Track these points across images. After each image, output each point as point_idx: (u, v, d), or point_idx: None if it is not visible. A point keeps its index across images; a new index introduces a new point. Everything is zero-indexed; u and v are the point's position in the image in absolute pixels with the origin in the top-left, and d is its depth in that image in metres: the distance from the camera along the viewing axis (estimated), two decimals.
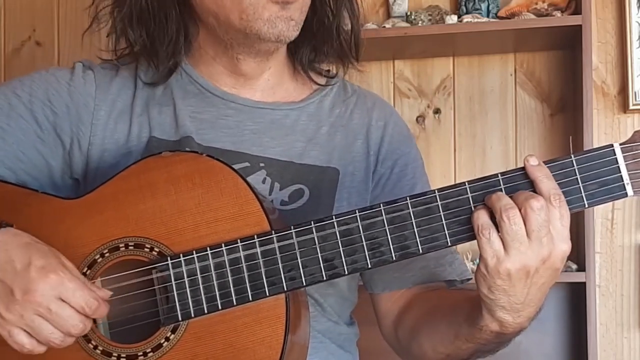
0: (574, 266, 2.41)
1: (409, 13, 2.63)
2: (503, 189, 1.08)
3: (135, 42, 1.32)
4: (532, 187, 1.07)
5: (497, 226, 1.05)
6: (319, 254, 1.10)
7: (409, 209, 1.09)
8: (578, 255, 2.45)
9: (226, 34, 1.28)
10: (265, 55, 1.31)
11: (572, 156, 1.08)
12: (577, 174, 1.08)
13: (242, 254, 1.11)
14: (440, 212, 1.09)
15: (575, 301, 2.60)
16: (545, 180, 1.06)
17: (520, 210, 1.04)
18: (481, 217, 1.06)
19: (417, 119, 2.73)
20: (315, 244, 1.10)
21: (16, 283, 1.05)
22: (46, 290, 1.05)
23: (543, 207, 1.04)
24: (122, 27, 1.32)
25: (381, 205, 1.10)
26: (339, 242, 1.10)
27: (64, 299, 1.06)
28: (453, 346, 1.23)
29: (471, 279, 1.37)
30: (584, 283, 2.34)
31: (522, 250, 1.04)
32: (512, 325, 1.12)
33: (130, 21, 1.31)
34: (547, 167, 1.08)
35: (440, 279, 1.37)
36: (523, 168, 1.08)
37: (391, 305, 1.39)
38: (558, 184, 1.07)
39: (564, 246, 1.06)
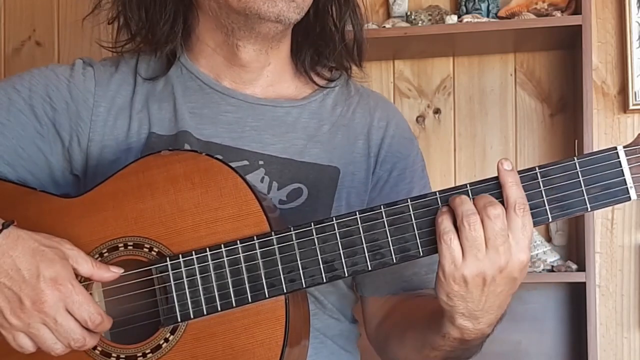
0: (574, 266, 2.41)
1: (409, 13, 2.63)
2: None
3: (134, 26, 1.34)
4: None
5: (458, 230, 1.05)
6: (319, 256, 1.10)
7: (409, 211, 1.09)
8: (578, 255, 2.45)
9: (227, 17, 1.27)
10: (265, 41, 1.30)
11: (575, 159, 1.07)
12: (580, 176, 1.07)
13: (241, 255, 1.11)
14: None
15: (575, 301, 2.59)
16: (514, 186, 1.05)
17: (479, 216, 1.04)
18: (444, 222, 1.05)
19: (417, 119, 2.73)
20: (315, 246, 1.10)
21: (25, 292, 1.05)
22: (54, 302, 1.06)
23: (499, 215, 1.03)
24: (122, 10, 1.34)
25: (382, 207, 1.10)
26: (339, 243, 1.10)
27: (70, 311, 1.07)
28: (421, 355, 1.24)
29: None
30: (584, 283, 2.34)
31: (480, 258, 1.04)
32: (472, 332, 1.12)
33: (130, 4, 1.33)
34: (550, 169, 1.07)
35: (430, 286, 1.36)
36: (521, 171, 1.08)
37: (376, 310, 1.39)
38: (560, 186, 1.06)
39: (522, 256, 1.06)
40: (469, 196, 1.08)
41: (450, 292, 1.07)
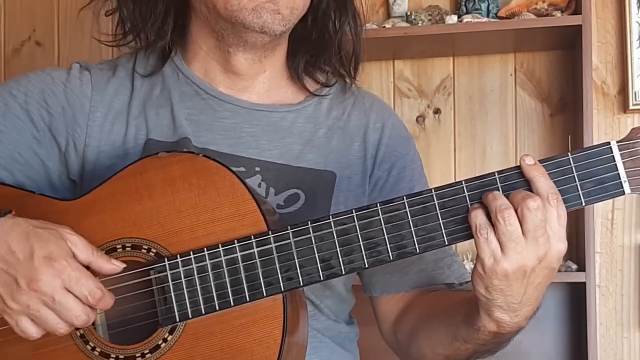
0: (574, 266, 2.41)
1: (409, 13, 2.63)
2: (500, 188, 1.08)
3: (129, 23, 1.34)
4: (529, 185, 1.07)
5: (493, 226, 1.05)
6: (316, 254, 1.10)
7: (405, 208, 1.09)
8: (578, 255, 2.45)
9: (216, 23, 1.28)
10: (254, 50, 1.30)
11: (569, 154, 1.08)
12: (574, 171, 1.07)
13: (239, 254, 1.11)
14: (437, 211, 1.09)
15: (575, 301, 2.60)
16: (542, 179, 1.06)
17: (516, 210, 1.04)
18: (478, 217, 1.06)
19: (417, 119, 2.73)
20: (312, 244, 1.10)
21: (20, 273, 1.04)
22: (50, 280, 1.04)
23: (539, 207, 1.03)
24: (118, 5, 1.35)
25: (378, 204, 1.10)
26: (336, 242, 1.10)
27: (68, 288, 1.05)
28: (452, 347, 1.23)
29: (470, 281, 1.37)
30: (584, 283, 2.34)
31: (519, 250, 1.04)
32: (509, 325, 1.12)
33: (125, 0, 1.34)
34: (544, 165, 1.07)
35: (439, 282, 1.37)
36: (514, 168, 1.08)
37: (390, 308, 1.39)
38: (555, 182, 1.06)
39: (561, 246, 1.06)
40: (464, 192, 1.08)
41: (490, 286, 1.07)
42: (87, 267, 1.09)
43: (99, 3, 1.38)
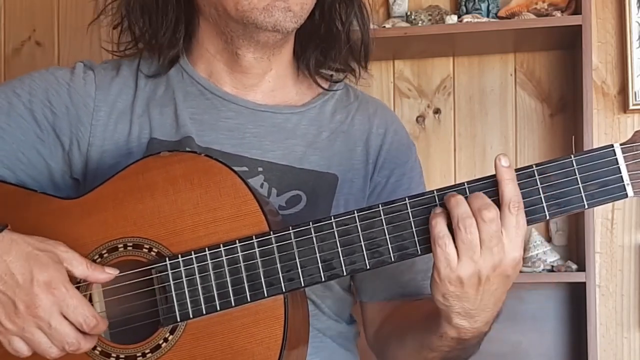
0: (574, 266, 2.42)
1: (409, 13, 2.63)
2: None
3: (138, 31, 1.34)
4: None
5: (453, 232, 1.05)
6: (317, 255, 1.10)
7: (407, 209, 1.09)
8: (578, 255, 2.45)
9: (226, 25, 1.28)
10: (264, 48, 1.30)
11: (572, 156, 1.08)
12: (577, 174, 1.07)
13: (240, 254, 1.11)
14: None
15: (575, 301, 2.59)
16: (510, 184, 1.06)
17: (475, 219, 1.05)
18: (439, 225, 1.06)
19: (417, 119, 2.73)
20: (314, 245, 1.10)
21: (19, 296, 1.05)
22: (48, 306, 1.06)
23: (494, 219, 1.04)
24: (126, 15, 1.35)
25: (380, 205, 1.10)
26: (337, 242, 1.10)
27: (65, 315, 1.07)
28: (420, 356, 1.25)
29: None
30: (584, 283, 2.34)
31: (475, 259, 1.05)
32: (470, 331, 1.13)
33: (134, 10, 1.34)
34: (546, 167, 1.08)
35: (427, 292, 1.36)
36: (518, 169, 1.08)
37: (375, 316, 1.40)
38: (557, 184, 1.07)
39: (516, 254, 1.07)
40: (466, 194, 1.08)
41: (446, 293, 1.08)
42: (85, 280, 1.12)
43: (107, 17, 1.38)
